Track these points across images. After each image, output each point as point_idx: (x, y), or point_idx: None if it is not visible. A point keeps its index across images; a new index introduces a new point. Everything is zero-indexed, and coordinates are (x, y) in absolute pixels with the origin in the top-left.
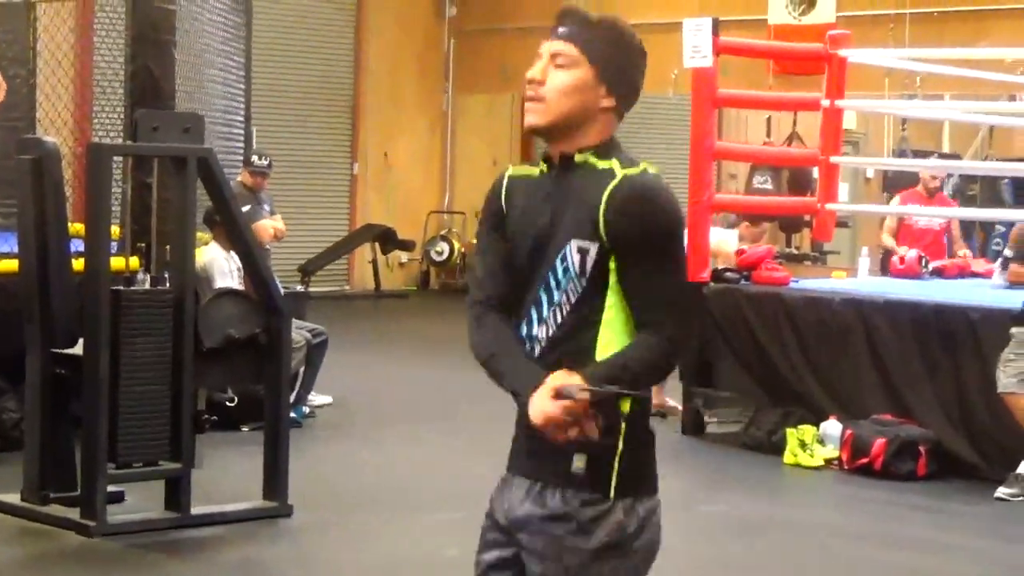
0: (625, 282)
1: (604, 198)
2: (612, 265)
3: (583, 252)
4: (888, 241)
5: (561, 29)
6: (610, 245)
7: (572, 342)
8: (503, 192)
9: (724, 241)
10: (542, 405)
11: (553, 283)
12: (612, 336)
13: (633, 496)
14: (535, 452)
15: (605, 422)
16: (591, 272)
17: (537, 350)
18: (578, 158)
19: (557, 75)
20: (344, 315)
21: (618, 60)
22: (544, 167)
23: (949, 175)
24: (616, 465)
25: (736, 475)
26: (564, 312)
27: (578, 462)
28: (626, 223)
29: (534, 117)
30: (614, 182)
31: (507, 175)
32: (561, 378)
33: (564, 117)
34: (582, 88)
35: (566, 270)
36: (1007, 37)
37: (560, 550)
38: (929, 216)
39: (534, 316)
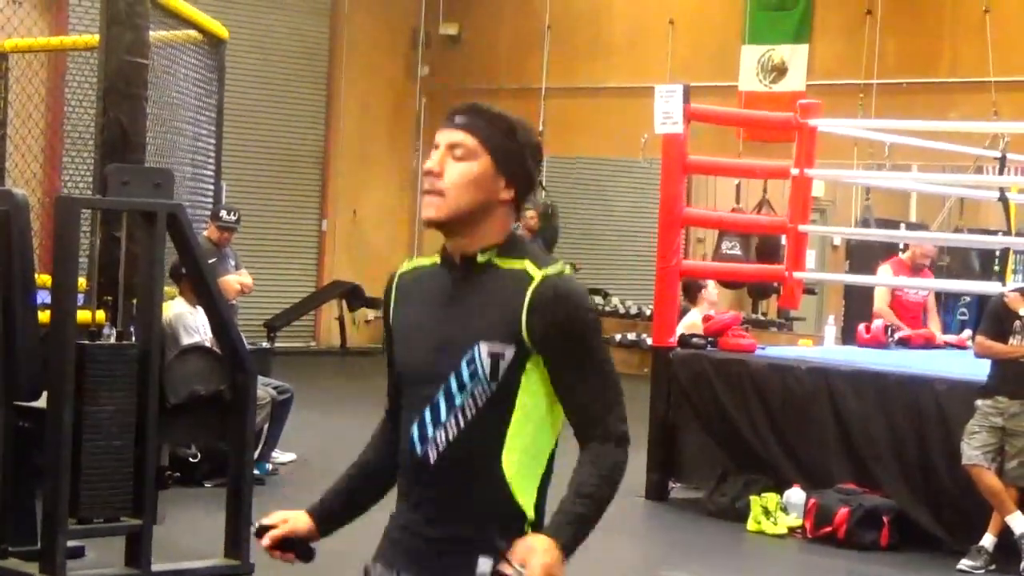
0: (561, 388)
1: (527, 301)
2: (528, 366)
3: (496, 356)
4: (887, 314)
5: (458, 119)
6: (535, 349)
7: (477, 447)
8: (392, 294)
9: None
10: None
11: (456, 386)
12: (520, 438)
13: None
14: (426, 552)
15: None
16: (504, 376)
17: (433, 455)
18: (480, 259)
19: (456, 167)
20: (310, 372)
21: (516, 152)
22: (441, 263)
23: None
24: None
25: (699, 542)
26: (468, 415)
27: (483, 567)
28: (556, 326)
29: (432, 211)
30: (534, 284)
31: (398, 274)
32: (532, 552)
33: (465, 210)
34: (482, 180)
35: (473, 374)
36: (975, 110)
37: None
38: (907, 286)
39: (428, 419)
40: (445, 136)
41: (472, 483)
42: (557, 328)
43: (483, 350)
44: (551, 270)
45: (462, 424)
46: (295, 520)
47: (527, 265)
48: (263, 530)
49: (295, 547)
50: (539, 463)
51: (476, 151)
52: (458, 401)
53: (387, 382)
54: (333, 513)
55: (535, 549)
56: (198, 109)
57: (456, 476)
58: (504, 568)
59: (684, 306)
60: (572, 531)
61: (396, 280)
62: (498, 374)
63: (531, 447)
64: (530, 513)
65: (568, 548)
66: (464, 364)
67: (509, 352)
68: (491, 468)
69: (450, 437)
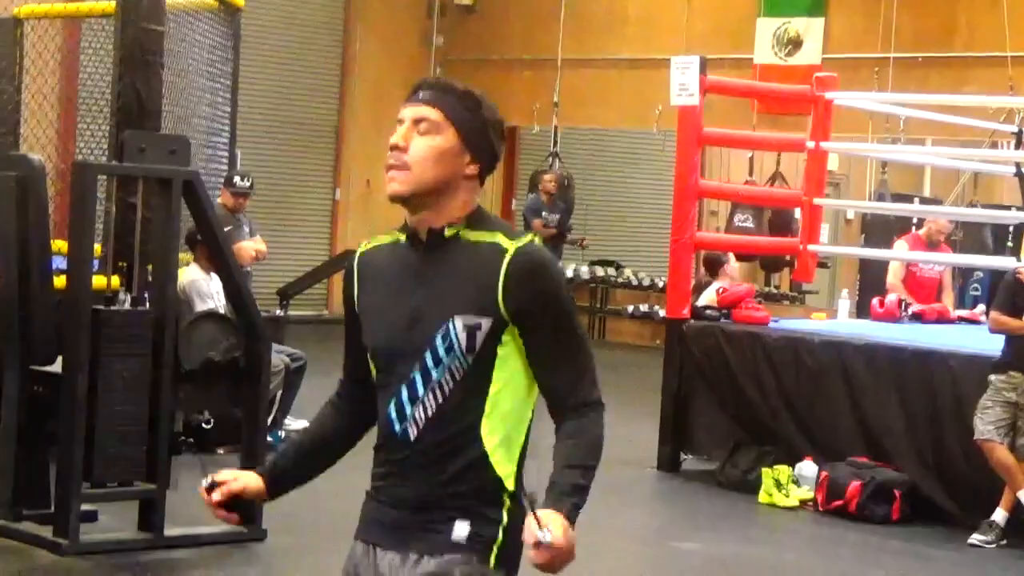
0: (536, 357)
1: (503, 271)
2: (504, 338)
3: (471, 329)
4: (898, 289)
5: (423, 93)
6: (511, 320)
7: (456, 421)
8: (355, 274)
9: None
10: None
11: (431, 362)
12: (498, 410)
13: (509, 569)
14: (404, 525)
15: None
16: (480, 348)
17: (413, 432)
18: (448, 232)
19: (421, 141)
20: (322, 340)
21: (481, 127)
22: (405, 240)
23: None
24: (500, 537)
25: (711, 513)
26: (446, 390)
27: (460, 531)
28: (532, 296)
29: (397, 185)
30: (509, 255)
31: (358, 254)
32: (544, 528)
33: (430, 185)
34: (447, 155)
35: (449, 348)
36: (991, 84)
37: None
38: (922, 262)
39: (405, 396)
40: (410, 111)
41: (452, 457)
42: (534, 298)
43: (458, 324)
44: (523, 241)
45: (440, 399)
46: (245, 479)
47: (499, 237)
48: (213, 486)
49: (241, 508)
50: (518, 433)
51: (441, 125)
52: (435, 376)
53: (345, 355)
54: (285, 476)
55: (553, 517)
56: (213, 77)
57: (436, 451)
58: (533, 530)
59: (705, 280)
60: (572, 502)
61: (357, 260)
62: (474, 347)
63: (509, 418)
64: (509, 484)
65: (571, 519)
66: (439, 339)
67: (485, 324)
68: (471, 441)
69: (428, 413)
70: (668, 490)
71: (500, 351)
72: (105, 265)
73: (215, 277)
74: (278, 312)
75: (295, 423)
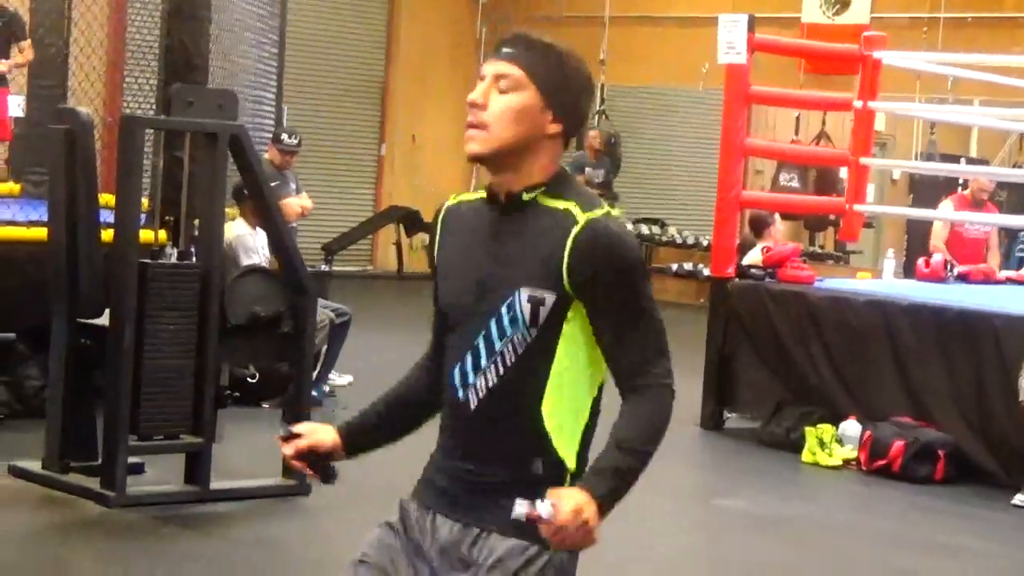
0: (603, 337)
1: (569, 243)
2: (569, 314)
3: (536, 302)
4: (942, 250)
5: (505, 50)
6: (576, 296)
7: (517, 395)
8: (438, 228)
9: None
10: (557, 534)
11: (496, 332)
12: (561, 389)
13: (572, 551)
14: (463, 495)
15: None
16: (544, 323)
17: (474, 401)
18: (526, 197)
19: (501, 99)
20: (366, 295)
21: (565, 85)
22: (486, 199)
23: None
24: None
25: (754, 471)
26: (508, 363)
27: (520, 508)
28: (600, 272)
29: (476, 145)
30: (577, 228)
31: (445, 207)
32: (563, 506)
33: (509, 145)
34: (527, 113)
35: (513, 320)
36: None
37: None
38: (967, 222)
39: (469, 364)
40: (491, 67)
41: (512, 431)
42: (599, 275)
43: (523, 296)
44: (597, 213)
45: (501, 371)
46: (321, 433)
47: (571, 206)
48: (290, 437)
49: (317, 464)
50: (581, 413)
51: (522, 83)
52: (498, 347)
53: (433, 317)
54: (362, 435)
55: (570, 494)
56: (261, 32)
57: (496, 423)
58: (535, 506)
59: (750, 240)
60: (610, 485)
61: (443, 213)
62: (538, 321)
63: (572, 396)
64: (571, 464)
65: (605, 501)
66: (504, 309)
67: (550, 299)
68: (531, 417)
69: (490, 384)
70: (711, 448)
71: (566, 327)
72: (152, 219)
73: (261, 232)
74: (323, 267)
75: (340, 378)
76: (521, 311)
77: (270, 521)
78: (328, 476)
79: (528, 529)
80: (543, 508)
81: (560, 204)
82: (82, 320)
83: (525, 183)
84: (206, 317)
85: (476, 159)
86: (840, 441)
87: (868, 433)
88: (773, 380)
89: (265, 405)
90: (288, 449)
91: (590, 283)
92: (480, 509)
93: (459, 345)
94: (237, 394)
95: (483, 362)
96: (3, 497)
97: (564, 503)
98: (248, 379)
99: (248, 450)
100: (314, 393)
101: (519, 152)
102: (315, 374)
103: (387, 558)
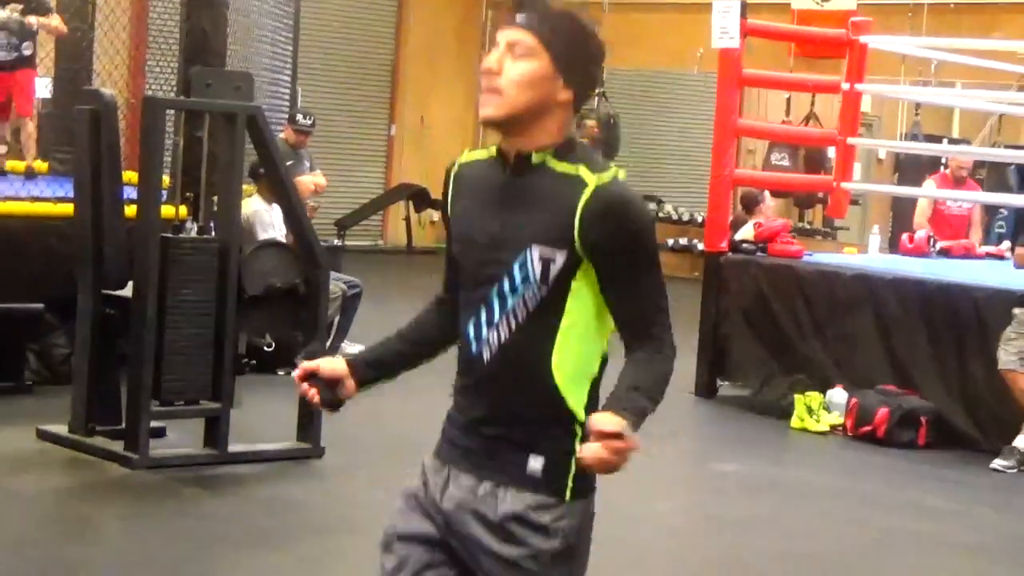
0: (610, 295)
1: (580, 207)
2: (578, 273)
3: (547, 260)
4: (925, 227)
5: (519, 17)
6: (586, 255)
7: (528, 350)
8: (450, 186)
9: None
10: (596, 453)
11: (508, 288)
12: (570, 344)
13: (584, 499)
14: (479, 450)
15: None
16: (553, 281)
17: (487, 355)
18: (535, 158)
19: (515, 66)
20: (377, 269)
21: (577, 52)
22: (497, 157)
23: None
24: (572, 468)
25: (745, 438)
26: (520, 318)
27: (534, 463)
28: (609, 234)
29: (490, 109)
30: (588, 190)
31: (456, 164)
32: (603, 422)
33: (521, 110)
34: (540, 80)
35: (525, 277)
36: (1019, 30)
37: (521, 557)
38: (947, 199)
39: (483, 318)
40: (505, 34)
41: (524, 384)
42: (609, 236)
43: (534, 254)
44: (606, 176)
45: (513, 326)
46: (332, 364)
47: (582, 170)
48: (303, 371)
49: (324, 391)
50: (590, 367)
51: (535, 50)
52: (510, 303)
53: (445, 263)
54: (379, 366)
55: (609, 416)
56: (276, 17)
57: (508, 376)
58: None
59: (742, 217)
60: (632, 419)
61: (454, 173)
62: (548, 278)
63: (581, 351)
64: (581, 415)
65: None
66: (516, 266)
67: (560, 257)
68: (542, 370)
69: (502, 339)
70: (706, 415)
71: (575, 285)
72: (173, 195)
73: (276, 207)
74: (336, 242)
75: (352, 347)
76: (532, 268)
77: (285, 482)
78: (333, 404)
79: (543, 482)
80: (595, 422)
81: (570, 168)
82: (106, 291)
83: (536, 145)
84: (224, 288)
85: (489, 123)
86: (827, 408)
87: (854, 400)
88: (764, 350)
89: (280, 372)
90: (298, 371)
91: (600, 244)
92: (495, 464)
93: (473, 300)
94: (254, 362)
95: (496, 317)
96: (32, 459)
97: (604, 419)
98: (264, 348)
99: (264, 415)
100: None
101: (531, 117)
102: (328, 343)
103: (415, 526)
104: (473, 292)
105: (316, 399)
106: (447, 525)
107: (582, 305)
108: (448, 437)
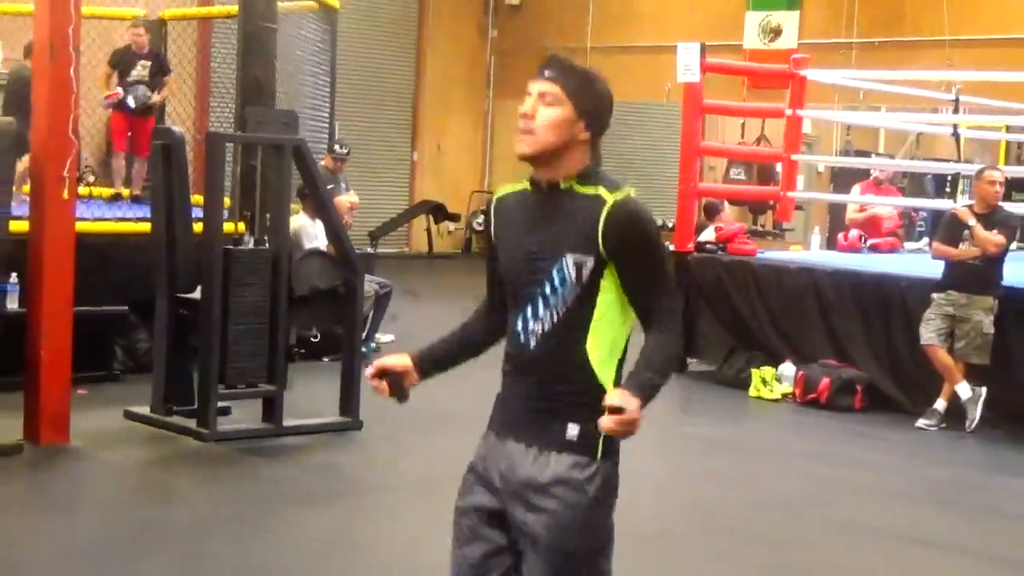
0: (629, 289)
1: (602, 219)
2: (605, 272)
3: (579, 264)
4: (855, 223)
5: (547, 72)
6: (608, 258)
7: (567, 336)
8: (492, 214)
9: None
10: (608, 423)
11: (549, 289)
12: (601, 331)
13: (611, 458)
14: (528, 421)
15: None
16: (587, 280)
17: (532, 342)
18: (563, 185)
19: (545, 112)
20: (404, 271)
21: (594, 101)
22: (531, 188)
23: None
24: (602, 433)
25: (710, 405)
26: (560, 312)
27: (572, 430)
28: (625, 240)
29: (525, 147)
30: (607, 206)
31: (496, 198)
32: (613, 398)
33: (549, 147)
34: (565, 123)
35: (563, 279)
36: (933, 62)
37: (565, 507)
38: (872, 204)
39: (529, 313)
40: (536, 86)
41: (563, 364)
42: (627, 242)
43: (569, 260)
44: (620, 195)
45: (555, 318)
46: (397, 359)
47: (601, 191)
48: (376, 369)
49: (393, 383)
50: (617, 348)
51: (561, 99)
52: (552, 301)
53: (487, 279)
54: (435, 364)
55: (620, 392)
56: (316, 63)
57: (551, 359)
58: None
59: (705, 222)
60: (646, 393)
61: (494, 204)
62: (581, 279)
63: (609, 336)
64: (610, 388)
65: (642, 403)
66: (555, 271)
67: (590, 261)
68: (578, 353)
69: (546, 328)
70: (677, 387)
71: (602, 283)
72: (233, 214)
73: (319, 222)
74: (369, 249)
75: (383, 337)
76: (568, 272)
77: (330, 450)
78: (401, 395)
79: (581, 446)
80: (610, 399)
81: (591, 190)
82: (179, 295)
83: (563, 175)
84: (277, 290)
85: (524, 158)
86: (779, 379)
87: (801, 373)
88: (725, 332)
89: (325, 359)
90: (370, 370)
91: (620, 248)
92: (535, 432)
93: (520, 302)
94: (303, 351)
95: (540, 312)
96: (121, 435)
97: (616, 395)
98: (312, 339)
99: (312, 395)
100: (364, 349)
101: (558, 152)
102: (364, 334)
103: (472, 499)
104: (520, 294)
105: (387, 392)
106: (503, 490)
107: (609, 299)
108: (499, 410)
